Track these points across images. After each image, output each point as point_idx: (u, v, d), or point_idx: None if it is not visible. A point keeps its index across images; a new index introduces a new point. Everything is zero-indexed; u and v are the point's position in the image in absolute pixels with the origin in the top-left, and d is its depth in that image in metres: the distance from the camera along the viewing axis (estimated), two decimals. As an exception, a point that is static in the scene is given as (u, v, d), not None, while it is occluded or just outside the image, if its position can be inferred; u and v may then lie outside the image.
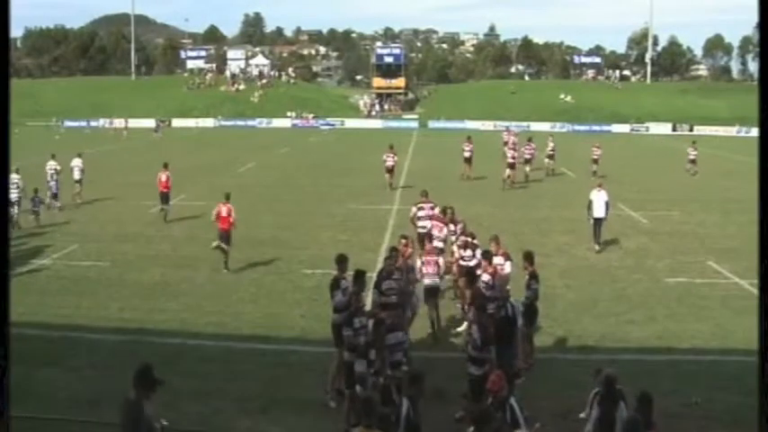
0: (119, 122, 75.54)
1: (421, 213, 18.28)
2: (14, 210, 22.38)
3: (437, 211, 17.80)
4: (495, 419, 7.18)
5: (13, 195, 22.33)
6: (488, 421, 6.93)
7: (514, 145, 35.49)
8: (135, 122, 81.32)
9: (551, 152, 38.22)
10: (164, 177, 25.04)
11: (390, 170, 33.12)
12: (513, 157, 33.88)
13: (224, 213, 18.48)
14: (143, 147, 55.88)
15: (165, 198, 25.16)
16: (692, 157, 38.97)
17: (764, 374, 4.46)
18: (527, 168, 35.76)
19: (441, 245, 15.78)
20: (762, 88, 4.43)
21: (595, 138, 50.70)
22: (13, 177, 22.83)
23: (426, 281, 13.37)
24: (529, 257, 12.22)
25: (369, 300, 12.30)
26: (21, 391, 10.75)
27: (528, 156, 36.01)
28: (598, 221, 20.96)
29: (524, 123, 77.72)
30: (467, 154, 36.45)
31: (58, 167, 27.74)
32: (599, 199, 21.00)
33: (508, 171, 33.29)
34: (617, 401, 7.37)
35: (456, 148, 39.80)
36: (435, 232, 16.14)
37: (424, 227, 17.37)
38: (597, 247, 20.90)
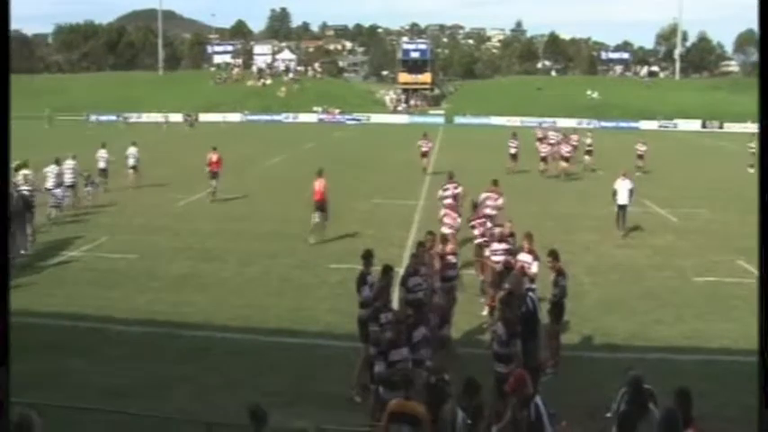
0: (159, 117, 77.10)
1: (446, 194, 20.12)
2: (69, 192, 24.60)
3: (460, 190, 20.11)
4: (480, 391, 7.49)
5: (69, 179, 24.50)
6: (477, 392, 7.35)
7: (555, 139, 36.63)
8: (162, 117, 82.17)
9: (589, 148, 38.02)
10: (214, 158, 27.50)
11: (425, 155, 36.38)
12: (565, 152, 35.28)
13: (317, 188, 21.04)
14: (179, 138, 56.37)
15: (214, 175, 27.45)
16: (751, 150, 36.44)
17: (765, 374, 4.42)
18: (564, 164, 35.95)
19: (451, 231, 17.06)
20: (762, 88, 4.38)
21: (628, 134, 50.53)
22: (69, 163, 24.92)
23: None
24: (554, 254, 12.15)
25: (395, 297, 12.29)
26: (52, 380, 10.97)
27: (567, 152, 36.19)
28: (622, 208, 22.33)
29: (550, 119, 77.16)
30: (512, 150, 37.14)
31: (107, 157, 29.34)
32: (623, 187, 22.29)
33: (542, 165, 34.71)
34: (645, 402, 7.30)
35: (482, 142, 39.66)
36: (447, 220, 17.73)
37: (448, 225, 17.90)
38: (621, 233, 22.04)
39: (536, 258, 12.94)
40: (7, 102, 4.26)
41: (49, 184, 23.68)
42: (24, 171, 21.59)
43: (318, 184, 21.32)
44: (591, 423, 9.31)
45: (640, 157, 37.79)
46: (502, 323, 9.77)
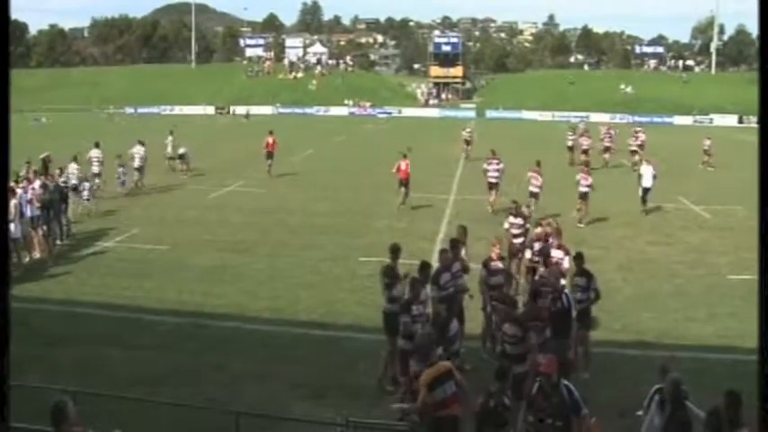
0: (240, 109, 79.72)
1: (489, 168, 24.67)
2: (97, 180, 25.37)
3: (501, 166, 24.67)
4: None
5: (95, 168, 25.62)
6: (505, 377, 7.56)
7: (610, 136, 36.85)
8: (193, 109, 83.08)
9: (641, 143, 36.89)
10: (270, 140, 32.49)
11: (468, 142, 39.12)
12: (607, 145, 36.09)
13: (403, 167, 24.91)
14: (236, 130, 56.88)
15: (269, 155, 32.46)
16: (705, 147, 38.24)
17: (765, 374, 4.33)
18: (606, 156, 36.23)
19: (496, 180, 24.27)
20: (762, 87, 4.28)
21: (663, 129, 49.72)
22: (94, 152, 26.08)
23: None
24: (579, 258, 11.94)
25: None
26: (84, 368, 11.15)
27: (608, 143, 36.44)
28: (646, 191, 24.72)
29: (583, 114, 76.39)
30: (569, 143, 37.61)
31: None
32: (647, 172, 24.82)
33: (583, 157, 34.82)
34: (683, 404, 7.19)
35: (513, 136, 39.40)
36: (492, 174, 24.35)
37: (493, 176, 24.42)
38: (643, 207, 24.74)
39: (567, 253, 12.84)
40: (7, 101, 4.27)
41: (136, 163, 27.94)
42: (74, 164, 23.26)
43: (403, 164, 25.12)
44: (621, 421, 9.22)
45: (706, 152, 37.57)
46: (510, 324, 9.61)
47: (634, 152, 35.88)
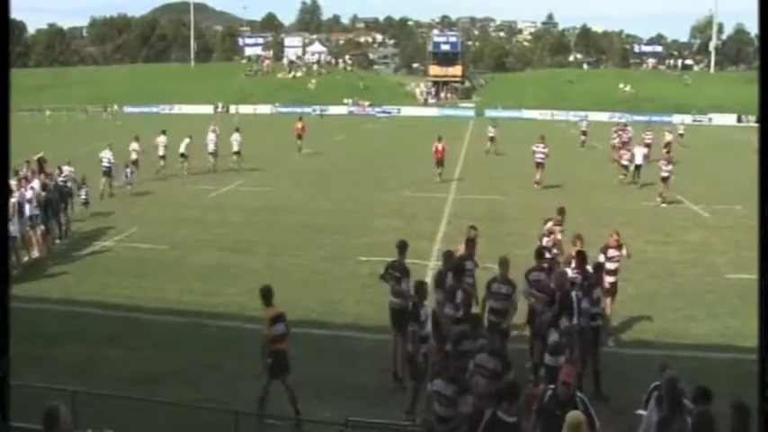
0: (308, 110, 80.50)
1: (537, 149, 29.60)
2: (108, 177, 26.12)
3: (547, 150, 29.60)
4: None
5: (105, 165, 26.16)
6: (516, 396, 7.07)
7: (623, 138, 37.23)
8: (194, 108, 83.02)
9: (670, 141, 37.97)
10: (300, 125, 41.88)
11: (493, 139, 42.29)
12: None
13: (439, 148, 30.62)
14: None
15: (300, 137, 41.55)
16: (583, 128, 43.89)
17: (765, 374, 4.32)
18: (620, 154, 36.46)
19: (543, 161, 29.42)
20: (761, 87, 4.26)
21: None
22: (106, 153, 26.52)
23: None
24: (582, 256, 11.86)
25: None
26: (83, 367, 11.13)
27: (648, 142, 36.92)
28: (638, 167, 30.12)
29: (582, 113, 76.32)
30: (615, 141, 37.90)
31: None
32: (639, 152, 30.74)
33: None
34: (680, 402, 7.17)
35: (513, 136, 39.32)
36: (539, 155, 29.52)
37: (540, 157, 29.36)
38: (637, 181, 29.80)
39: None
40: (7, 101, 4.25)
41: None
42: (67, 167, 22.92)
43: (440, 146, 30.77)
44: (621, 419, 9.22)
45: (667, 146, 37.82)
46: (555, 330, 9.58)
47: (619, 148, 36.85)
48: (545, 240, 13.68)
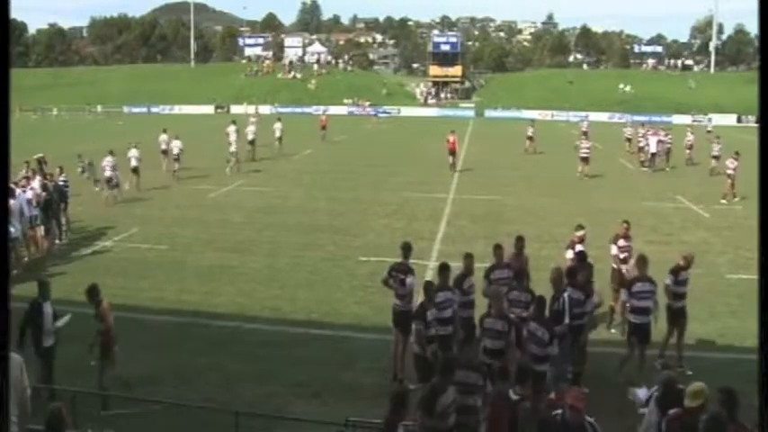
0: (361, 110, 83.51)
1: (582, 145, 32.71)
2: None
3: (590, 144, 33.01)
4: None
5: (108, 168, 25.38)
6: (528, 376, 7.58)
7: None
8: (193, 109, 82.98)
9: (690, 143, 38.47)
10: (324, 118, 49.10)
11: (531, 138, 42.36)
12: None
13: (451, 140, 33.80)
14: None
15: (323, 128, 48.23)
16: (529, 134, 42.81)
17: (764, 374, 4.33)
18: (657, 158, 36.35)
19: (587, 155, 32.18)
20: (762, 87, 4.26)
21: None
22: (106, 157, 25.68)
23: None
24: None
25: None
26: (82, 367, 11.10)
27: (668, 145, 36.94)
28: (653, 155, 34.51)
29: (582, 113, 76.31)
30: (642, 144, 38.03)
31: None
32: (652, 140, 34.73)
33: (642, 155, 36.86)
34: (679, 402, 7.15)
35: (511, 136, 39.31)
36: (584, 149, 32.51)
37: (585, 150, 32.29)
38: (652, 168, 34.20)
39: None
40: (7, 101, 4.26)
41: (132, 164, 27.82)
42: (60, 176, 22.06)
43: (452, 138, 33.90)
44: (620, 419, 9.21)
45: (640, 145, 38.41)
46: (538, 324, 9.57)
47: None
48: (613, 249, 14.06)
